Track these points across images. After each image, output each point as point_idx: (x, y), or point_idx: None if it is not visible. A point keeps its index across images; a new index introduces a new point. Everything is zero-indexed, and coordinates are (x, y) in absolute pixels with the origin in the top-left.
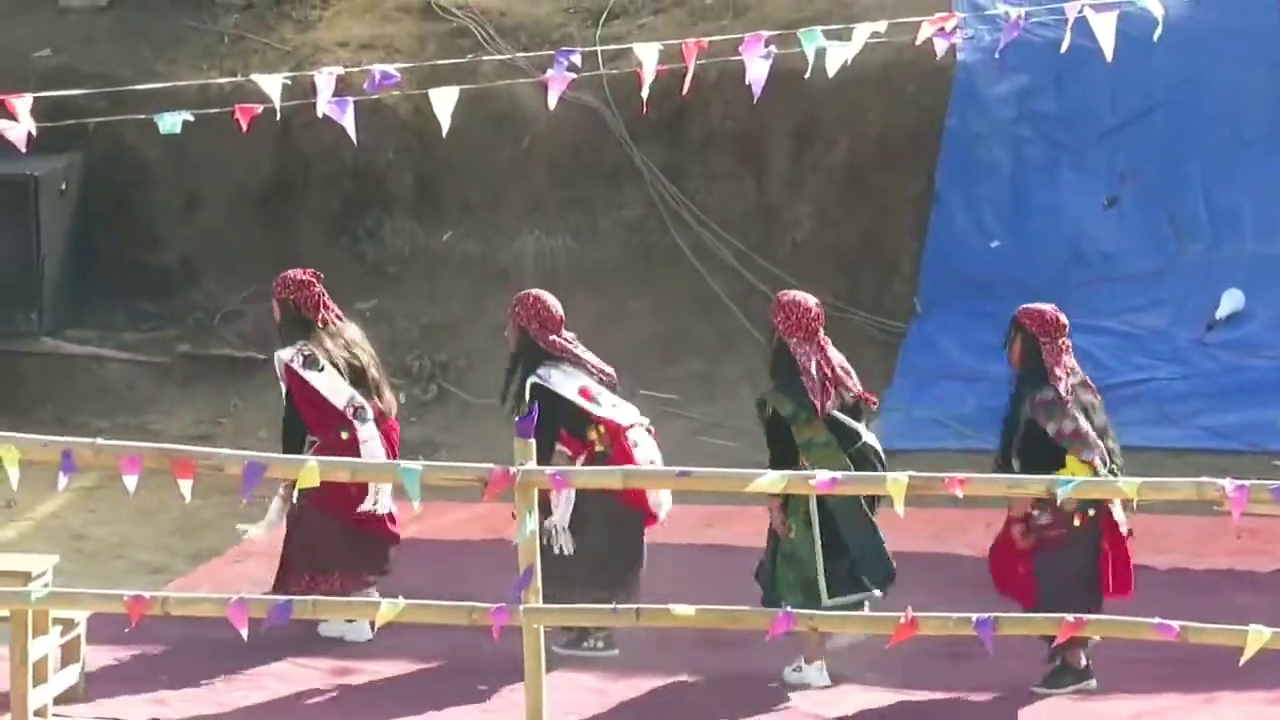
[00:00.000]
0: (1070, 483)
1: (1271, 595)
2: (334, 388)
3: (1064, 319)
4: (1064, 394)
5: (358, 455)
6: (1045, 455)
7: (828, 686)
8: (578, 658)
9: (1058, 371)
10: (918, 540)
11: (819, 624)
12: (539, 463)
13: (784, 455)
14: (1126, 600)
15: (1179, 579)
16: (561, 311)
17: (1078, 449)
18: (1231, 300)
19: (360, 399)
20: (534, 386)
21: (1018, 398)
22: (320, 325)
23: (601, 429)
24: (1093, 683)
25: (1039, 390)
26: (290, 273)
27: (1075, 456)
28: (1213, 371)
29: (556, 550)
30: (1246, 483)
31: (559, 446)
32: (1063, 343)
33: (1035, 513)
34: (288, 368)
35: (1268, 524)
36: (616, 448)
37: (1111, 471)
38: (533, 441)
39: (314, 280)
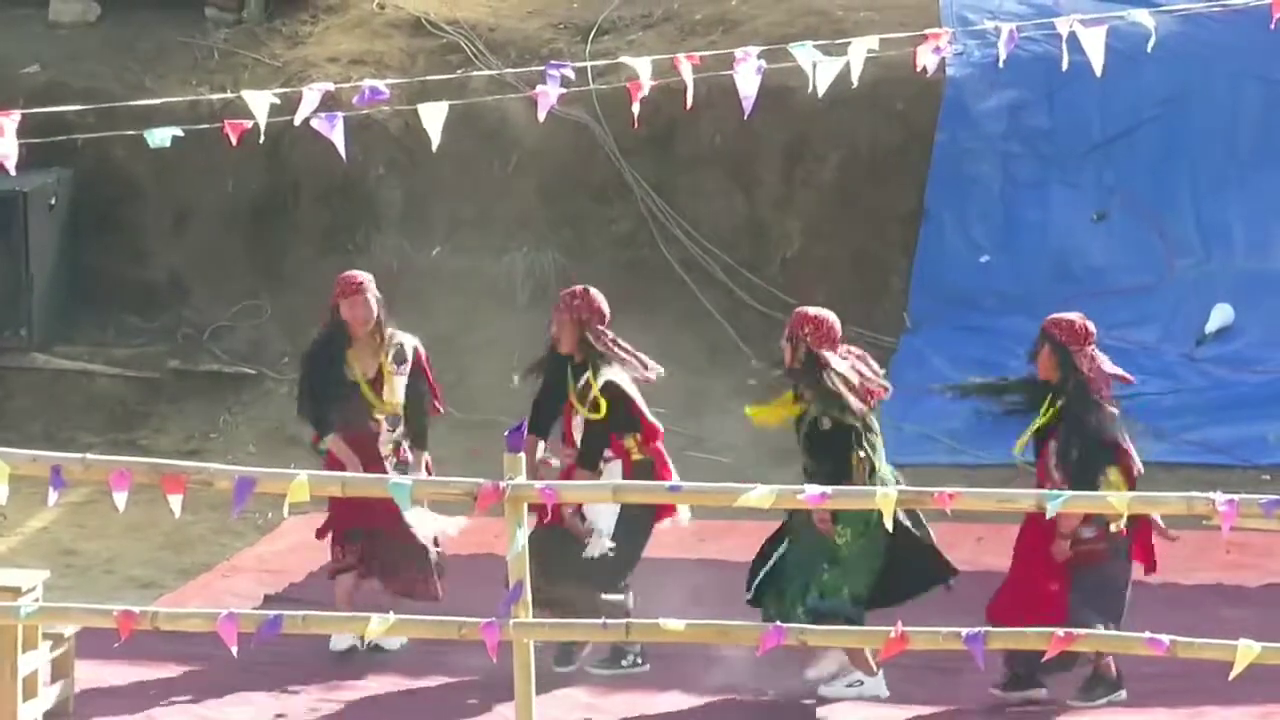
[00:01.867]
0: (1059, 498)
1: (1260, 610)
2: None
3: (1091, 327)
4: (1109, 403)
5: None
6: (1095, 461)
7: (888, 699)
8: (578, 675)
9: (1089, 377)
10: None
11: (809, 639)
12: (589, 465)
13: (846, 466)
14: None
15: (1168, 593)
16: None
17: (1124, 459)
18: (1221, 315)
19: None
20: (610, 385)
21: (1066, 408)
22: None
23: (638, 436)
24: (1123, 693)
25: (1092, 401)
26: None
27: (1118, 466)
28: (1202, 386)
29: (596, 553)
30: (1236, 497)
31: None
32: (1090, 350)
33: (1080, 528)
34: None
35: (1257, 538)
36: (656, 455)
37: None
38: (521, 456)
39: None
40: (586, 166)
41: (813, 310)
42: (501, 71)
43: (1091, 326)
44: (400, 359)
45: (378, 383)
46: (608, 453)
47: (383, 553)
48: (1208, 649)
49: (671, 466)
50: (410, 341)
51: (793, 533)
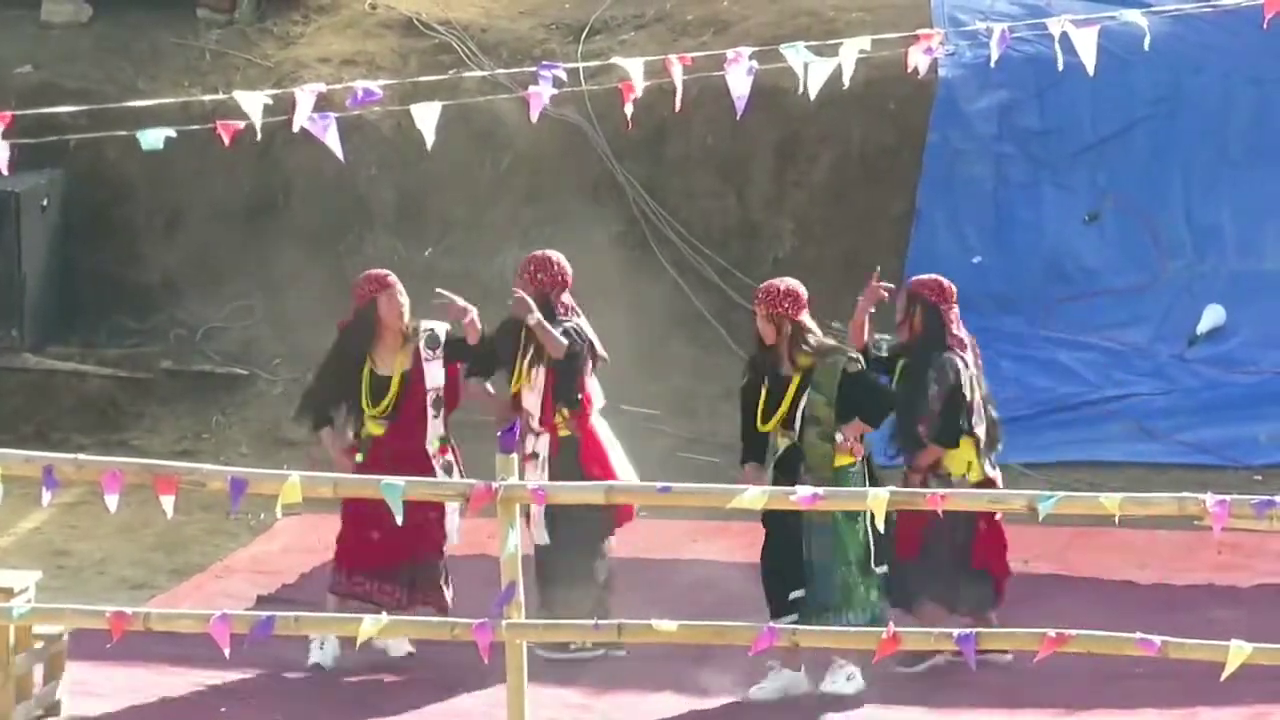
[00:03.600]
0: (1051, 498)
1: (1252, 610)
2: None
3: (952, 286)
4: (968, 361)
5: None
6: (954, 421)
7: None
8: (563, 669)
9: (963, 338)
10: None
11: (800, 639)
12: (567, 400)
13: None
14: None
15: (1160, 594)
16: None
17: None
18: (1212, 316)
19: None
20: (577, 330)
21: (920, 366)
22: None
23: (566, 412)
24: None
25: (944, 355)
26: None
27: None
28: (1194, 387)
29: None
30: (1227, 498)
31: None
32: (955, 311)
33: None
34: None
35: (1248, 539)
36: (585, 435)
37: (991, 445)
38: (514, 457)
39: None
40: (578, 167)
41: (782, 284)
42: (494, 72)
43: (952, 286)
44: (433, 343)
45: (415, 375)
46: (538, 426)
47: (424, 579)
48: (1200, 649)
49: (605, 444)
50: (442, 327)
51: (806, 541)
